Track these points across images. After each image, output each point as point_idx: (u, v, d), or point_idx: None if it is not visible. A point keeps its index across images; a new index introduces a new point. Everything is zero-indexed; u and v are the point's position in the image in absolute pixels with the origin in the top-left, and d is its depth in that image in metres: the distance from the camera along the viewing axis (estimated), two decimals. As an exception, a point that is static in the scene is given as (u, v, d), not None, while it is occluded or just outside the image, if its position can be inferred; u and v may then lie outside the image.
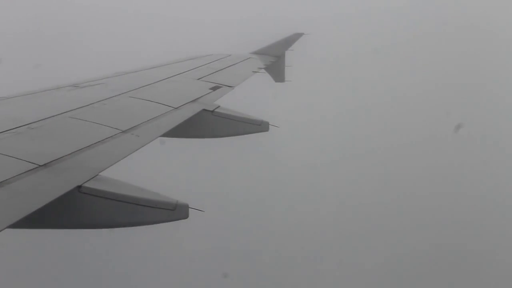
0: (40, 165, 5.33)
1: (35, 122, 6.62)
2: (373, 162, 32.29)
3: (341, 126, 34.05)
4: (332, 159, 32.28)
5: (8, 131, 6.12)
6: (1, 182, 4.83)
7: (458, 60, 36.41)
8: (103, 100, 8.15)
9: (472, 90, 35.14)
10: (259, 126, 9.51)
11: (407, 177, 31.51)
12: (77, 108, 7.47)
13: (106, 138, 6.53)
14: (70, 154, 5.81)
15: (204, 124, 8.96)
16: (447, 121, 32.22)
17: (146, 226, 5.94)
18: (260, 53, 16.57)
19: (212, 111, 9.05)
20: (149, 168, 19.21)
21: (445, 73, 36.03)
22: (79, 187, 5.29)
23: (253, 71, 13.59)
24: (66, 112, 7.24)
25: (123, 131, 6.87)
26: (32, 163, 5.33)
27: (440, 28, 37.64)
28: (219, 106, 9.28)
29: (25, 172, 5.12)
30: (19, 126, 6.34)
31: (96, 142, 6.32)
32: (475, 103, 34.31)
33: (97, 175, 5.57)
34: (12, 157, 5.42)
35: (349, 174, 31.63)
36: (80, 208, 5.36)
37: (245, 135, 9.59)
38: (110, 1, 40.12)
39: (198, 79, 11.13)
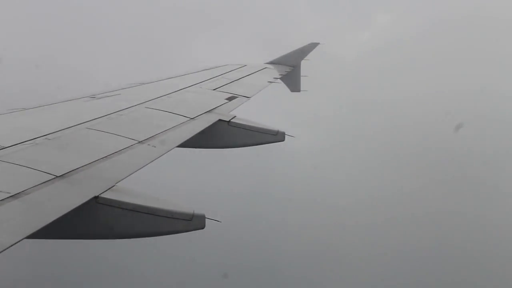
0: (57, 176, 5.35)
1: (52, 133, 6.64)
2: (389, 172, 32.15)
3: (357, 135, 33.96)
4: (348, 168, 32.19)
5: (26, 142, 6.15)
6: (19, 193, 4.84)
7: (458, 60, 36.27)
8: (119, 111, 8.17)
9: (472, 90, 34.97)
10: (275, 136, 9.48)
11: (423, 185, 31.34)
12: (94, 119, 7.49)
13: (123, 149, 6.54)
14: (87, 164, 5.82)
15: (220, 134, 8.95)
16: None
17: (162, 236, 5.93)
18: (275, 63, 16.57)
19: (228, 121, 9.04)
20: (166, 178, 19.24)
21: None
22: (96, 197, 5.29)
23: (269, 81, 13.58)
24: (83, 123, 7.26)
25: (140, 142, 6.88)
26: (50, 174, 5.35)
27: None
28: (235, 116, 9.26)
29: (42, 183, 5.13)
30: (37, 137, 6.37)
31: (113, 153, 6.33)
32: (475, 103, 34.13)
33: (114, 185, 5.57)
34: (30, 168, 5.44)
35: (364, 182, 31.52)
36: (97, 218, 5.36)
37: (261, 145, 9.57)
38: (123, 12, 40.49)
39: (214, 89, 11.15)
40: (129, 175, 5.90)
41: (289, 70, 16.29)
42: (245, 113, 9.71)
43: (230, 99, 10.35)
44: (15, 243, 4.12)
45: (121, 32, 38.38)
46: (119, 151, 6.44)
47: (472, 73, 35.46)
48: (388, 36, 38.68)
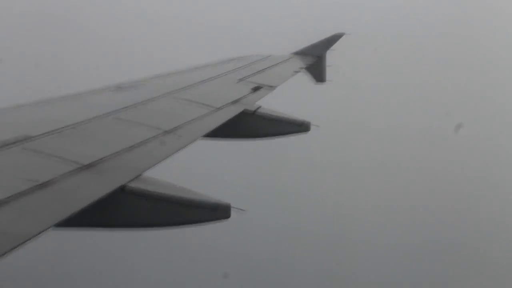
0: (84, 165, 5.40)
1: (79, 123, 6.70)
2: (415, 163, 31.93)
3: (381, 126, 33.76)
4: (372, 159, 32.05)
5: (53, 132, 6.21)
6: (46, 182, 4.90)
7: (458, 59, 35.89)
8: (145, 101, 8.22)
9: (472, 90, 34.63)
10: (301, 127, 9.46)
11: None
12: (120, 109, 7.54)
13: (149, 139, 6.57)
14: (113, 154, 5.86)
15: (246, 124, 8.95)
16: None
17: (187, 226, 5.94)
18: (301, 53, 16.48)
19: (254, 112, 9.04)
20: (191, 168, 19.33)
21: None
22: (123, 187, 5.33)
23: (294, 72, 13.54)
24: (110, 113, 7.31)
25: (166, 132, 6.92)
26: (77, 163, 5.39)
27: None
28: (260, 107, 9.26)
29: (69, 172, 5.18)
30: (64, 127, 6.43)
31: (139, 143, 6.37)
32: (475, 103, 33.79)
33: (140, 175, 5.60)
34: (57, 157, 5.49)
35: (388, 174, 31.36)
36: (123, 208, 5.40)
37: (286, 136, 9.56)
38: (150, 4, 40.66)
39: (240, 80, 11.14)
40: (155, 164, 5.93)
41: (314, 61, 16.20)
42: (270, 104, 9.71)
43: (255, 89, 10.34)
44: (42, 232, 4.17)
45: (138, 24, 38.59)
46: (145, 141, 6.48)
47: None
48: (415, 27, 38.32)
